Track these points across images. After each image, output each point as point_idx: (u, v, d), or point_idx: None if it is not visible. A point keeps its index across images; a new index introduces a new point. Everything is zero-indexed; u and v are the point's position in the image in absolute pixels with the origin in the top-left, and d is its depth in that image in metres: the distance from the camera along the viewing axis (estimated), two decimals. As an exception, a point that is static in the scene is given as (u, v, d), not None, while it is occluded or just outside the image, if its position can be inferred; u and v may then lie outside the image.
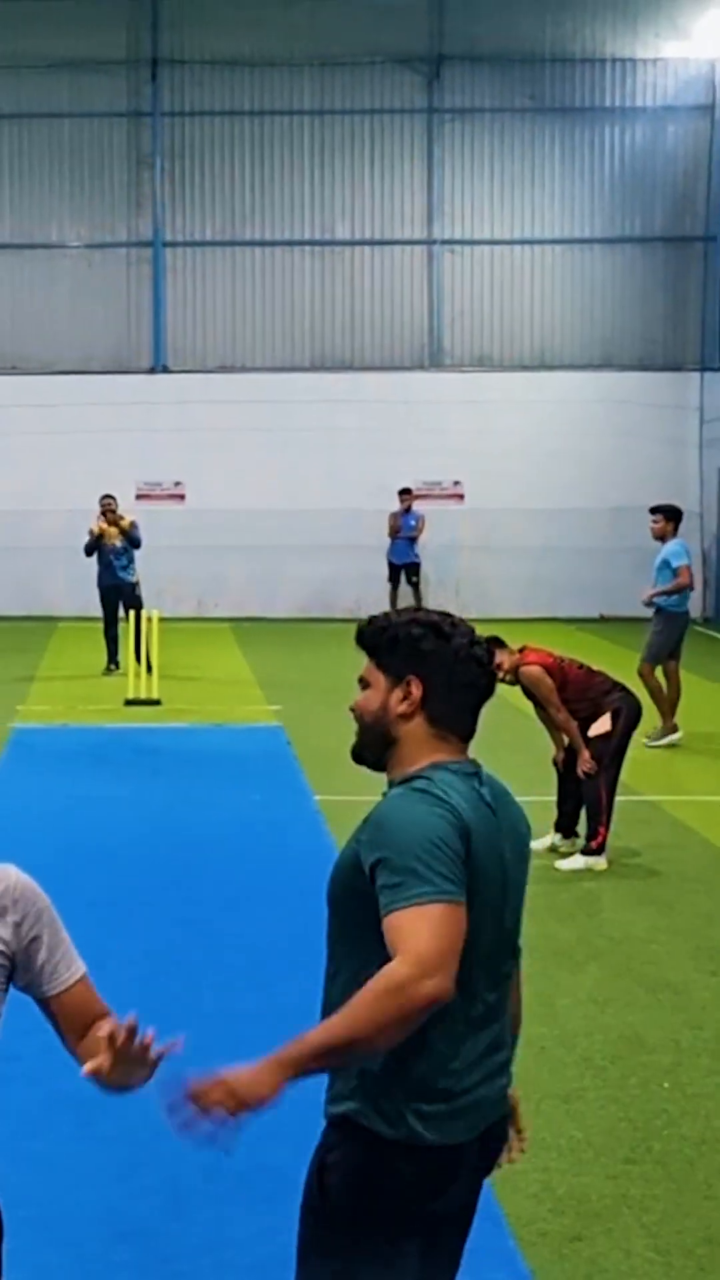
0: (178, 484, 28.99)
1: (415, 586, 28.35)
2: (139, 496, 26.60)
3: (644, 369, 29.68)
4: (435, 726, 3.87)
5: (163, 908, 10.49)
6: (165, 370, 29.52)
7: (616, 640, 24.72)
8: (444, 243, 29.95)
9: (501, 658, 12.24)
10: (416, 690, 3.93)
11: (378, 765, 4.02)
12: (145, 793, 14.35)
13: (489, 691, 4.08)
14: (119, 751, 16.52)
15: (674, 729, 17.48)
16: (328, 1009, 3.82)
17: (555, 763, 12.83)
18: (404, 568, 28.28)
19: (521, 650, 12.58)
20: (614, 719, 12.21)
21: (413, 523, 28.30)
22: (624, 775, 12.88)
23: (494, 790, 3.97)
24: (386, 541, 28.50)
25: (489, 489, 29.04)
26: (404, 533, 28.29)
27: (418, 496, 28.81)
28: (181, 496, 29.02)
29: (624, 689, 12.58)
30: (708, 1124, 7.02)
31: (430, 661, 3.93)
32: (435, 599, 27.73)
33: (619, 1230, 5.94)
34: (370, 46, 29.20)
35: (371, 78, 29.72)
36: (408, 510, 28.27)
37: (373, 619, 4.10)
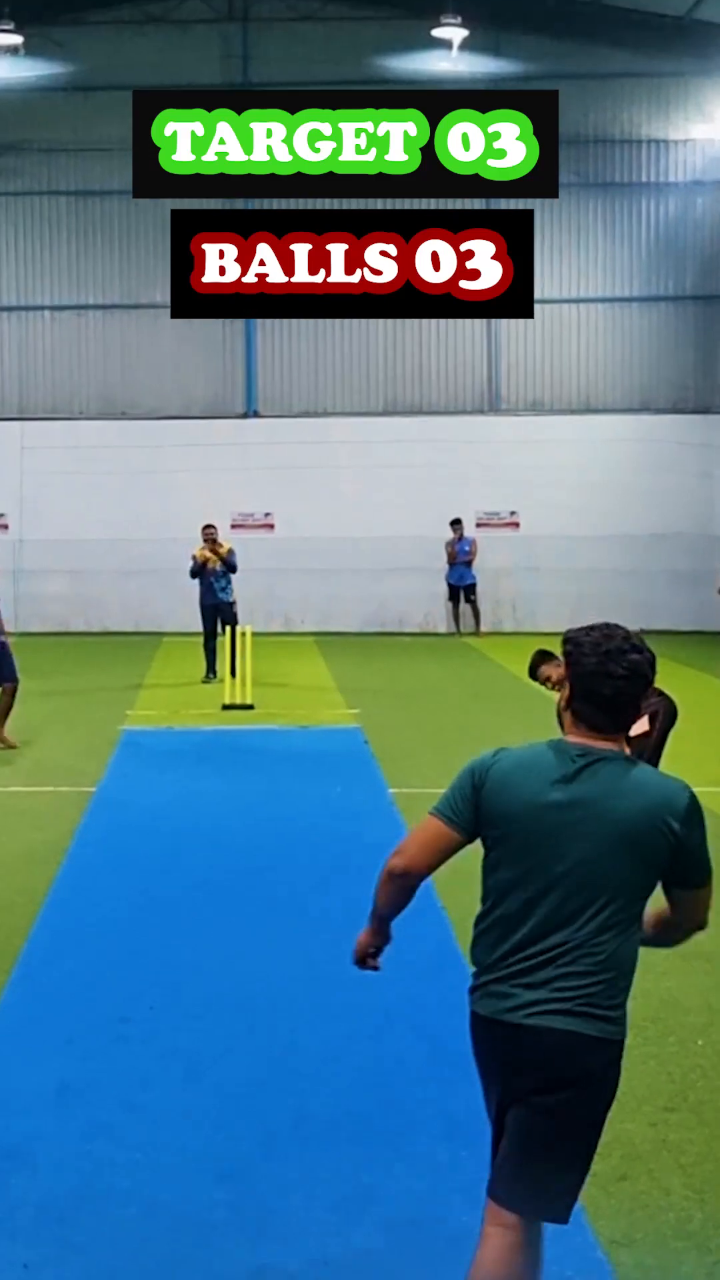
0: (268, 515, 29.23)
1: (473, 604, 28.65)
2: (233, 526, 26.31)
3: (677, 412, 29.88)
4: (576, 718, 4.34)
5: (256, 888, 10.53)
6: (256, 415, 29.75)
7: (655, 650, 24.84)
8: (501, 302, 30.27)
9: (549, 670, 12.15)
10: (567, 691, 4.43)
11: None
12: (240, 787, 14.41)
13: (616, 699, 4.39)
14: (217, 750, 16.51)
15: None
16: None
17: None
18: (462, 589, 28.65)
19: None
20: (652, 720, 12.00)
21: (467, 548, 28.70)
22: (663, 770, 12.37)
23: (599, 773, 4.26)
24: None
25: (541, 518, 29.19)
26: (460, 558, 28.66)
27: (479, 525, 29.06)
28: (271, 526, 29.19)
29: (660, 693, 11.99)
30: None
31: (574, 672, 4.37)
32: (494, 615, 29.07)
33: (659, 1171, 5.97)
34: (435, 132, 28.99)
35: (437, 159, 29.99)
36: (460, 538, 28.63)
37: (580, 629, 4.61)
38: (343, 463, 29.19)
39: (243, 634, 20.05)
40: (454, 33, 27.48)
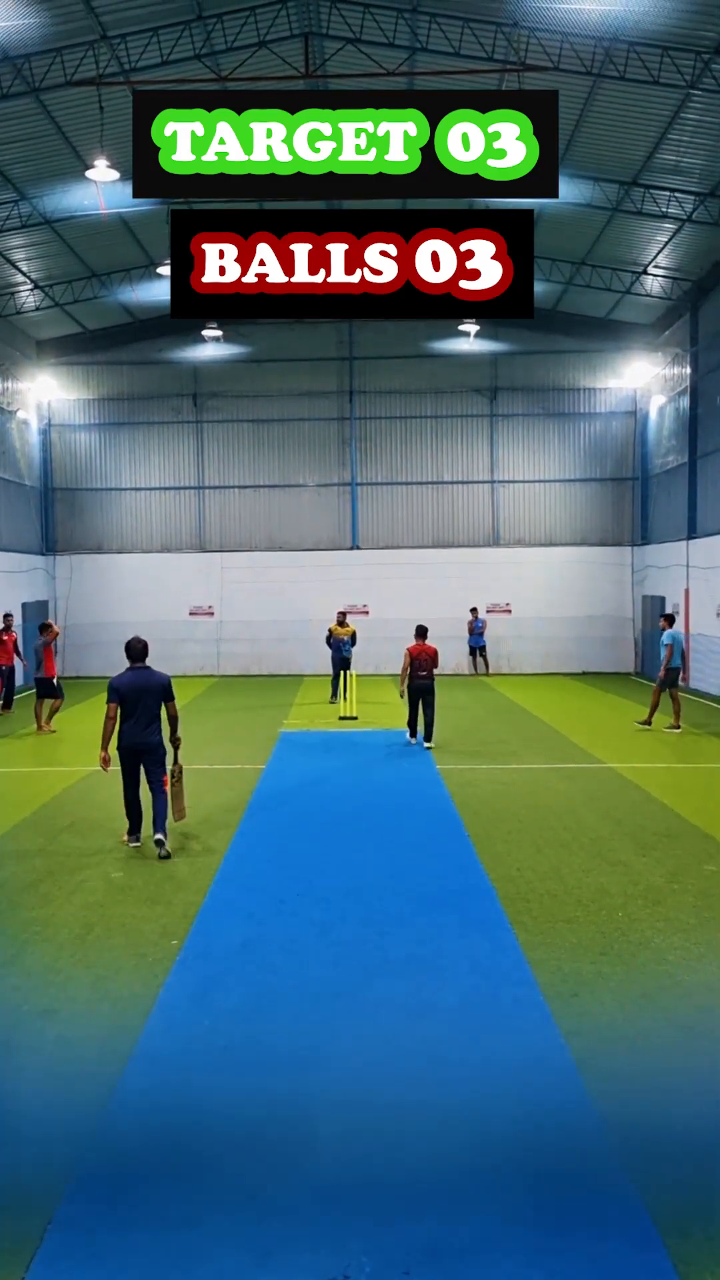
0: (365, 605, 32.72)
1: (484, 658, 32.07)
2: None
3: (601, 545, 33.59)
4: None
5: (359, 821, 11.49)
6: (357, 547, 33.44)
7: (592, 684, 28.94)
8: (499, 481, 33.57)
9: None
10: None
11: None
12: (349, 764, 15.30)
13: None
14: (336, 743, 17.29)
15: (676, 726, 18.62)
16: None
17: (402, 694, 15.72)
18: (478, 648, 32.06)
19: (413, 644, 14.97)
20: (408, 692, 15.27)
21: (480, 624, 31.97)
22: (591, 749, 15.14)
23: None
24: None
25: (524, 606, 33.10)
26: (476, 630, 31.95)
27: (488, 611, 32.64)
28: (368, 611, 32.55)
29: (419, 680, 14.92)
30: (641, 933, 7.78)
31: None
32: (497, 664, 32.56)
33: (597, 990, 6.70)
34: (460, 383, 33.25)
35: (461, 399, 33.51)
36: (476, 618, 32.01)
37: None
38: (408, 575, 32.69)
39: (352, 676, 23.11)
40: (468, 325, 31.77)
